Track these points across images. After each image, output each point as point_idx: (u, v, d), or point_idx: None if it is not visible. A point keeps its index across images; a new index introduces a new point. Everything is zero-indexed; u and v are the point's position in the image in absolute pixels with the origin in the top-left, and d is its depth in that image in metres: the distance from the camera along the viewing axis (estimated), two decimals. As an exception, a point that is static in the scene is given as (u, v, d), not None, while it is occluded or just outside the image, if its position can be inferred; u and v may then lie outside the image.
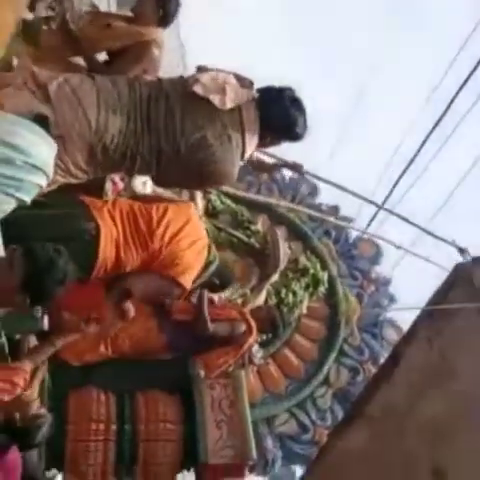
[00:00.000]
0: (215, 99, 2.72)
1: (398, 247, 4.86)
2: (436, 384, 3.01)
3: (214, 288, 4.13)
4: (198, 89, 2.73)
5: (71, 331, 3.95)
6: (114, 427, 4.06)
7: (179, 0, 3.69)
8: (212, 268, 3.63)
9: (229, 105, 2.73)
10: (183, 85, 2.80)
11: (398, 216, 4.88)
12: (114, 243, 3.07)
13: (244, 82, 2.89)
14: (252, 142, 2.84)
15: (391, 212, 5.41)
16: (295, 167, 3.81)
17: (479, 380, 2.89)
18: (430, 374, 3.05)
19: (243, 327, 4.17)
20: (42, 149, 2.25)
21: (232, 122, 2.78)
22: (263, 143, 2.97)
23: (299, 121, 2.89)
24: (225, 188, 4.88)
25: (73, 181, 2.70)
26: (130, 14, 3.70)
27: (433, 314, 3.10)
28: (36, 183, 2.25)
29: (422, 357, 3.14)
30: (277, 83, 3.09)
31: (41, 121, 2.36)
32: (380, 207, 5.66)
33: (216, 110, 2.75)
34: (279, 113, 2.86)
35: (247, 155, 2.87)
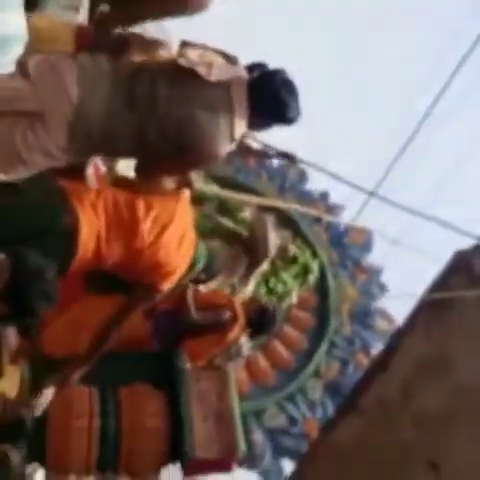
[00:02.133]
0: (201, 70, 2.62)
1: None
2: (433, 375, 2.92)
3: (200, 281, 4.06)
4: (183, 62, 2.63)
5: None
6: (97, 421, 3.96)
7: None
8: (198, 266, 3.56)
9: (215, 76, 2.63)
10: (167, 61, 2.72)
11: (391, 203, 4.77)
12: (95, 237, 2.89)
13: (233, 60, 2.81)
14: (241, 123, 2.74)
15: (383, 199, 5.31)
16: (288, 156, 3.74)
17: (475, 371, 2.81)
18: (427, 365, 2.96)
19: (228, 313, 4.09)
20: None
21: (220, 100, 2.68)
22: (253, 126, 2.87)
23: (291, 104, 2.80)
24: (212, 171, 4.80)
25: (55, 164, 2.59)
26: None
27: (432, 304, 3.00)
28: None
29: (420, 347, 3.05)
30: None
31: None
32: (371, 194, 5.57)
33: (203, 85, 2.65)
34: (270, 96, 2.77)
35: (236, 137, 2.77)
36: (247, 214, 5.44)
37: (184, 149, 2.69)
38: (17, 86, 2.42)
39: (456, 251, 3.21)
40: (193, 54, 2.68)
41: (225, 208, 5.39)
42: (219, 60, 2.74)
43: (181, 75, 2.66)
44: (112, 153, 2.76)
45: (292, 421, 5.40)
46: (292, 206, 5.75)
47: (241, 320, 4.10)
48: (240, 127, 2.75)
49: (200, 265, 3.59)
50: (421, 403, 3.05)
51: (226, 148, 2.73)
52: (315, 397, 5.47)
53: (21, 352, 3.96)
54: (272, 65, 3.14)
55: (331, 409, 5.36)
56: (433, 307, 2.98)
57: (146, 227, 3.02)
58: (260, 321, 4.49)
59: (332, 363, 5.59)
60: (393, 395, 3.07)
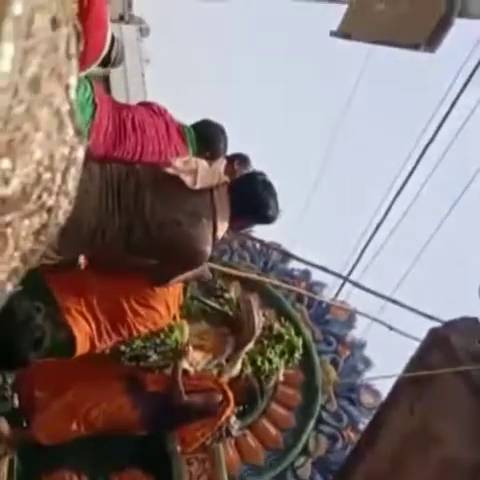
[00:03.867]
0: (186, 179, 2.79)
1: (374, 319, 4.91)
2: (419, 450, 2.97)
3: None
4: (170, 170, 2.81)
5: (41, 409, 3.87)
6: (88, 511, 3.91)
7: None
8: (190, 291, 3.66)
9: (199, 185, 2.80)
10: (155, 167, 2.90)
11: (363, 288, 4.96)
12: (88, 340, 3.11)
13: (216, 164, 2.99)
14: (223, 226, 2.90)
15: (356, 284, 5.50)
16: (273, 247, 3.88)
17: (462, 444, 2.86)
18: (413, 440, 3.01)
19: (220, 397, 4.11)
20: None
21: (203, 203, 2.84)
22: (238, 227, 3.04)
23: (272, 206, 2.97)
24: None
25: (46, 262, 2.70)
26: None
27: (412, 379, 3.09)
28: None
29: (404, 423, 3.11)
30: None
31: None
32: (346, 279, 5.76)
33: (187, 191, 2.81)
34: (253, 200, 2.95)
35: (219, 235, 2.90)
36: (232, 294, 5.54)
37: (167, 251, 2.84)
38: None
39: (431, 328, 3.35)
40: (177, 162, 2.86)
41: (210, 289, 5.50)
42: (204, 164, 2.92)
43: (166, 182, 2.84)
44: (100, 247, 2.83)
45: (284, 501, 5.32)
46: (274, 282, 5.88)
47: (231, 402, 4.13)
48: (222, 230, 2.91)
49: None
50: (409, 476, 3.08)
51: (208, 249, 2.88)
52: (305, 475, 5.40)
53: (11, 442, 3.95)
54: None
55: (321, 487, 5.30)
56: (414, 383, 3.07)
57: (133, 322, 3.21)
58: (249, 399, 4.53)
59: (320, 440, 5.55)
60: (382, 471, 3.10)
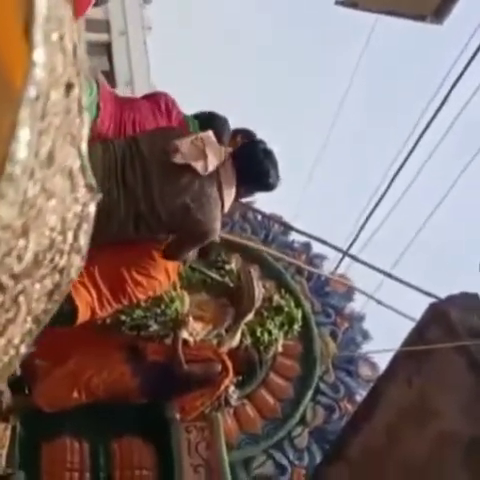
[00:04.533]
0: (197, 166, 2.77)
1: (370, 297, 4.92)
2: (416, 423, 3.01)
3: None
4: (178, 160, 2.76)
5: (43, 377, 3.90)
6: (88, 475, 3.97)
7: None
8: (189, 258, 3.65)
9: (211, 169, 2.79)
10: (162, 150, 2.81)
11: (362, 262, 4.95)
12: (89, 309, 3.12)
13: (221, 137, 2.96)
14: (229, 196, 2.92)
15: (354, 258, 5.49)
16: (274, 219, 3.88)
17: (459, 417, 2.90)
18: (410, 413, 3.05)
19: (219, 367, 4.14)
20: None
21: (209, 181, 2.84)
22: (239, 194, 3.04)
23: (272, 173, 2.99)
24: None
25: None
26: None
27: (411, 353, 3.11)
28: None
29: (402, 397, 3.14)
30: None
31: None
32: (345, 253, 5.76)
33: (196, 177, 2.80)
34: (254, 167, 2.95)
35: (226, 208, 2.93)
36: (233, 266, 5.55)
37: (178, 233, 2.87)
38: None
39: (431, 303, 3.35)
40: (184, 145, 2.80)
41: (211, 260, 5.50)
42: (211, 140, 2.88)
43: (175, 168, 2.80)
44: (107, 232, 2.78)
45: (280, 469, 5.41)
46: (273, 253, 5.88)
47: (230, 372, 4.16)
48: (228, 199, 2.92)
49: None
50: (406, 450, 3.13)
51: (217, 225, 2.91)
52: (302, 444, 5.49)
53: (13, 409, 3.99)
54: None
55: (318, 456, 5.38)
56: (412, 357, 3.10)
57: (132, 287, 3.22)
58: (248, 370, 4.57)
59: (318, 410, 5.62)
60: (378, 443, 3.14)
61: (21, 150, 0.71)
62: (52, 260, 0.85)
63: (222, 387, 4.14)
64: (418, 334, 3.18)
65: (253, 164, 2.94)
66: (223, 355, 4.28)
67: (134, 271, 3.23)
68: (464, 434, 2.78)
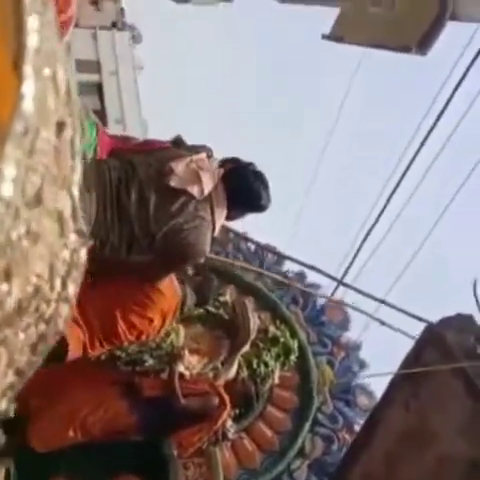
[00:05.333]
0: (193, 190, 2.79)
1: (371, 316, 4.92)
2: (415, 448, 2.97)
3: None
4: (175, 183, 2.78)
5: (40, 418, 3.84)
6: (86, 517, 3.89)
7: None
8: (188, 303, 3.63)
9: (207, 192, 2.81)
10: (157, 172, 2.82)
11: (356, 290, 4.98)
12: (81, 345, 3.10)
13: (213, 160, 2.98)
14: (221, 218, 2.94)
15: (349, 286, 5.52)
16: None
17: (458, 440, 2.87)
18: (408, 438, 3.02)
19: (216, 401, 4.10)
20: None
21: (203, 204, 2.86)
22: (230, 217, 3.06)
23: (263, 194, 3.02)
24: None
25: None
26: None
27: (408, 377, 3.10)
28: None
29: (399, 421, 3.12)
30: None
31: None
32: (339, 282, 5.78)
33: (190, 201, 2.82)
34: (245, 189, 2.97)
35: (217, 230, 2.95)
36: (227, 297, 5.55)
37: (169, 255, 2.87)
38: None
39: (426, 325, 3.35)
40: (180, 168, 2.83)
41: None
42: (205, 163, 2.91)
43: (170, 191, 2.82)
44: (99, 257, 2.72)
45: (281, 504, 5.32)
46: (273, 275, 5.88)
47: (228, 406, 4.12)
48: (220, 221, 2.94)
49: (188, 301, 3.65)
50: (405, 475, 3.09)
51: (208, 248, 2.92)
52: (301, 478, 5.40)
53: (7, 450, 3.93)
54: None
55: (318, 489, 5.31)
56: (409, 380, 3.08)
57: (125, 327, 3.20)
58: (245, 402, 4.53)
59: (316, 442, 5.55)
60: (377, 471, 3.10)
61: (6, 187, 0.67)
62: (37, 309, 0.80)
63: (220, 421, 4.09)
64: (414, 357, 3.17)
65: (244, 186, 2.96)
66: (220, 388, 4.24)
67: (128, 310, 3.22)
68: (463, 457, 2.75)
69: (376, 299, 4.42)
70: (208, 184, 2.83)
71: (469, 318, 3.05)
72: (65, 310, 0.85)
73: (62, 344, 3.02)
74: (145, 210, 2.74)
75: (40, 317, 0.81)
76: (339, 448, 5.50)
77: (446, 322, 3.18)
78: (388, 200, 5.35)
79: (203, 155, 2.95)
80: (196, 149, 3.11)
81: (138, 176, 2.78)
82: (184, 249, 2.85)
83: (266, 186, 3.04)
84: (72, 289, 0.85)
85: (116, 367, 4.24)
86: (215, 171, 2.91)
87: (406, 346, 3.90)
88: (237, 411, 4.93)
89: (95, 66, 18.36)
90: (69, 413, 3.82)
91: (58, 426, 3.82)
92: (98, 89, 18.43)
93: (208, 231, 2.86)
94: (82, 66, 16.91)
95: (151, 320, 3.32)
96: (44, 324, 0.82)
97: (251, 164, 3.09)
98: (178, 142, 3.23)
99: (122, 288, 3.15)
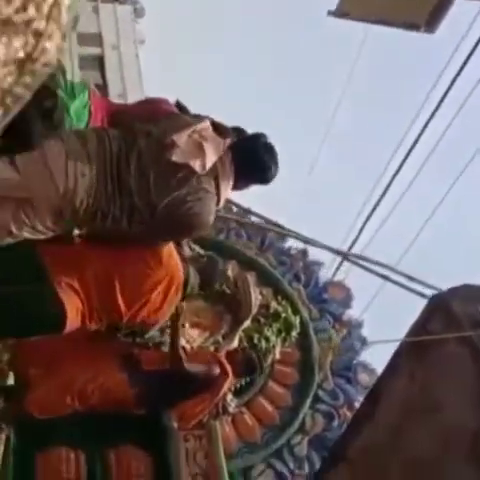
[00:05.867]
0: (195, 164, 2.72)
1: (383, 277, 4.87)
2: (419, 418, 2.96)
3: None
4: (177, 157, 2.71)
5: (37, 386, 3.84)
6: (85, 486, 3.88)
7: None
8: (191, 281, 3.51)
9: (209, 166, 2.74)
10: (159, 144, 2.75)
11: (361, 265, 4.95)
12: (79, 315, 3.07)
13: (220, 129, 2.91)
14: (226, 189, 2.89)
15: (356, 260, 5.48)
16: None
17: (462, 410, 2.85)
18: (413, 408, 3.00)
19: (217, 370, 4.08)
20: None
21: (207, 176, 2.80)
22: (235, 187, 3.02)
23: (272, 168, 2.96)
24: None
25: (41, 237, 2.66)
26: None
27: (413, 346, 3.07)
28: None
29: (404, 392, 3.09)
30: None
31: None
32: (345, 255, 5.76)
33: (193, 174, 2.76)
34: (254, 162, 2.93)
35: (222, 202, 2.90)
36: (229, 272, 5.52)
37: (172, 226, 2.84)
38: (5, 176, 2.48)
39: (433, 295, 3.32)
40: (182, 140, 2.75)
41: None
42: (209, 133, 2.83)
43: (172, 165, 2.76)
44: (100, 227, 2.77)
45: (280, 478, 5.33)
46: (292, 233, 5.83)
47: (230, 375, 4.10)
48: (225, 192, 2.89)
49: (192, 280, 3.55)
50: (409, 445, 3.07)
51: (212, 218, 2.87)
52: (302, 453, 5.42)
53: (5, 417, 3.92)
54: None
55: (318, 464, 5.30)
56: (415, 350, 3.05)
57: (124, 302, 3.16)
58: (248, 370, 4.51)
59: (317, 418, 5.56)
60: (381, 442, 3.08)
61: None
62: (25, 8, 0.74)
63: (222, 390, 4.07)
64: (420, 327, 3.14)
65: (254, 159, 2.90)
66: (221, 358, 4.22)
67: (128, 282, 3.17)
68: (469, 427, 2.72)
69: (381, 275, 4.39)
70: (211, 157, 2.76)
71: (476, 288, 3.01)
72: (57, 36, 0.80)
73: (61, 314, 2.99)
74: (145, 181, 2.69)
75: (27, 25, 0.76)
76: (339, 424, 5.51)
77: (452, 292, 3.14)
78: (392, 179, 5.30)
79: (207, 124, 2.86)
80: (199, 117, 3.04)
81: (138, 146, 2.72)
82: (189, 219, 2.79)
83: (276, 160, 2.99)
84: (65, 16, 0.80)
85: (116, 338, 4.21)
86: (220, 142, 2.84)
87: (409, 320, 3.88)
88: (238, 385, 4.94)
89: (97, 39, 18.24)
90: (67, 380, 3.81)
91: (56, 393, 3.81)
92: (100, 63, 18.35)
93: (212, 202, 2.81)
94: (84, 39, 16.82)
95: (151, 290, 3.27)
96: (33, 38, 0.77)
97: (263, 135, 3.03)
98: (180, 107, 3.18)
99: (121, 254, 3.11)
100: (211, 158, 2.76)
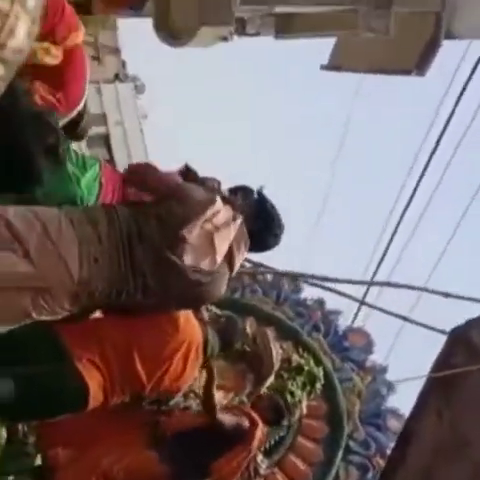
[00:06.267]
0: (205, 265, 2.77)
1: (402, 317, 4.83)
2: (449, 455, 2.90)
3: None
4: (187, 259, 2.73)
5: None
6: None
7: None
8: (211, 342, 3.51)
9: (219, 261, 2.82)
10: (169, 229, 2.75)
11: (380, 309, 4.96)
12: (102, 390, 3.06)
13: (229, 200, 2.98)
14: (240, 261, 3.01)
15: (372, 306, 5.49)
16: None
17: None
18: (443, 449, 2.94)
19: (246, 422, 4.04)
20: None
21: (222, 267, 2.91)
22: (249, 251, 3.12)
23: (280, 235, 3.09)
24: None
25: (58, 317, 2.70)
26: None
27: (437, 383, 3.04)
28: None
29: (433, 433, 3.04)
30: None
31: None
32: (362, 302, 5.77)
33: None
34: (268, 236, 3.07)
35: (234, 273, 3.00)
36: (248, 329, 5.51)
37: (187, 302, 2.96)
38: (20, 270, 2.48)
39: (452, 329, 3.30)
40: (193, 234, 2.75)
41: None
42: (219, 219, 2.83)
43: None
44: (115, 303, 2.83)
45: None
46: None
47: (259, 423, 4.07)
48: (237, 267, 2.98)
49: (213, 342, 3.54)
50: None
51: (222, 292, 2.98)
52: (339, 509, 5.28)
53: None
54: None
55: (357, 519, 5.16)
56: (439, 386, 3.01)
57: (144, 372, 3.17)
58: (276, 416, 4.46)
59: (351, 470, 5.44)
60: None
61: None
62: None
63: (255, 440, 4.00)
64: (442, 362, 3.12)
65: (268, 233, 3.06)
66: (248, 409, 4.20)
67: (146, 350, 3.18)
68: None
69: (399, 316, 4.37)
70: (223, 248, 2.81)
71: (494, 317, 3.01)
72: (21, 16, 0.81)
73: (83, 392, 2.98)
74: (157, 264, 2.76)
75: None
76: (374, 475, 5.38)
77: (471, 322, 3.14)
78: (401, 218, 5.34)
79: (219, 205, 2.84)
80: (205, 181, 3.13)
81: (150, 227, 2.75)
82: (201, 296, 2.93)
83: (282, 227, 3.10)
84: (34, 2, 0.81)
85: (141, 407, 4.18)
86: (232, 224, 2.87)
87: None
88: (268, 445, 4.86)
89: (101, 119, 18.80)
90: (93, 462, 3.75)
91: (82, 475, 3.74)
92: (105, 140, 18.87)
93: (224, 280, 2.93)
94: (90, 120, 17.31)
95: (170, 357, 3.27)
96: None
97: (267, 200, 3.13)
98: (188, 172, 3.24)
99: (137, 323, 3.13)
100: (222, 251, 2.80)
